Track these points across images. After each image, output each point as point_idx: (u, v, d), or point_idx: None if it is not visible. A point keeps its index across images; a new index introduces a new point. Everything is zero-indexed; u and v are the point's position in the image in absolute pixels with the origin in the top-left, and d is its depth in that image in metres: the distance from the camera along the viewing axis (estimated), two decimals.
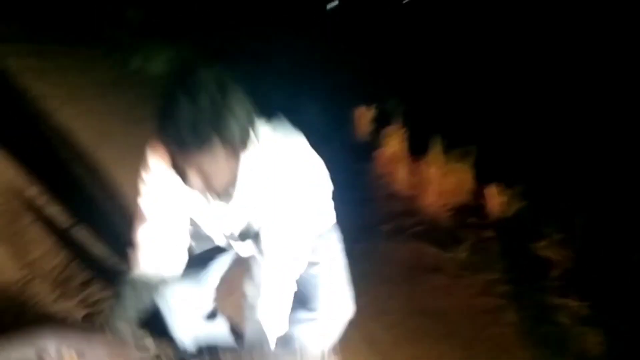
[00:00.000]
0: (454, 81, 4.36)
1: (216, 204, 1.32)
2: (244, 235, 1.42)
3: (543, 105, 4.00)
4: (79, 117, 3.34)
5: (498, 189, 3.08)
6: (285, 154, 1.28)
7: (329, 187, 1.51)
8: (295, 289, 1.40)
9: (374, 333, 2.15)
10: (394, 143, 3.46)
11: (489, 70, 4.44)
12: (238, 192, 1.28)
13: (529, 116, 3.88)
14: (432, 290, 2.49)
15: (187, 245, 1.43)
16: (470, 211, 3.06)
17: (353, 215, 2.90)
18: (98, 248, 2.32)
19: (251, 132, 1.17)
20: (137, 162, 3.04)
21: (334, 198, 1.56)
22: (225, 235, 1.45)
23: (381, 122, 3.72)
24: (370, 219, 2.91)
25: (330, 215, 1.56)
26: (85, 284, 2.11)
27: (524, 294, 2.54)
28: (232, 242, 1.47)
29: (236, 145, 1.14)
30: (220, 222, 1.40)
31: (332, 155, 3.59)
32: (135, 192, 1.37)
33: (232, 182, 1.24)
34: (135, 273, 1.37)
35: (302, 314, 1.52)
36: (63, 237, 2.33)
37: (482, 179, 3.18)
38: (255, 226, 1.37)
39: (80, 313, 1.98)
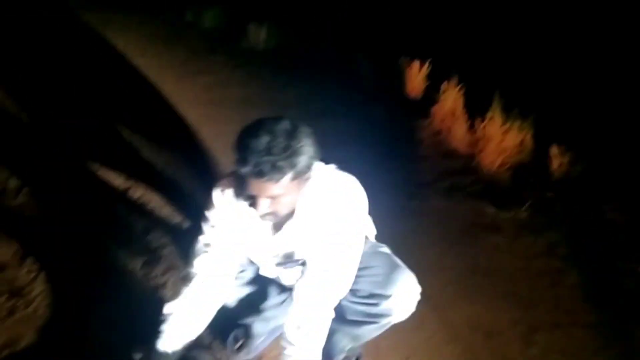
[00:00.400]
0: (514, 36, 4.14)
1: (270, 232, 1.47)
2: (287, 263, 1.53)
3: (609, 64, 3.75)
4: (138, 69, 3.38)
5: (560, 149, 2.93)
6: (338, 193, 1.40)
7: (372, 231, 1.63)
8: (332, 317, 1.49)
9: (429, 290, 2.09)
10: (451, 99, 3.34)
11: (551, 26, 4.19)
12: (291, 222, 1.41)
13: (594, 74, 3.66)
14: (490, 249, 2.42)
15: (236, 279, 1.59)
16: (531, 171, 2.94)
17: (408, 171, 2.87)
18: (154, 199, 2.36)
19: (313, 169, 1.32)
20: (189, 113, 3.07)
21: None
22: (271, 261, 1.57)
23: (437, 77, 3.58)
24: (425, 176, 2.83)
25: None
26: (145, 232, 2.16)
27: (586, 257, 2.44)
28: (276, 270, 1.59)
29: (303, 178, 1.30)
30: (269, 249, 1.52)
31: (387, 111, 3.56)
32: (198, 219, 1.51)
33: (291, 212, 1.38)
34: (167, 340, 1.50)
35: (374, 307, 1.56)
36: (122, 189, 2.39)
37: (544, 138, 3.03)
38: (298, 256, 1.49)
39: (140, 260, 2.03)
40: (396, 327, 1.94)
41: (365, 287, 1.55)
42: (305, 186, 1.35)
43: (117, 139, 2.71)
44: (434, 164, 2.94)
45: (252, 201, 1.33)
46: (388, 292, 1.53)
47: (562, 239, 2.52)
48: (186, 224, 2.26)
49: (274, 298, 1.74)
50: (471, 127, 3.14)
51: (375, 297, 1.55)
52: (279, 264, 1.57)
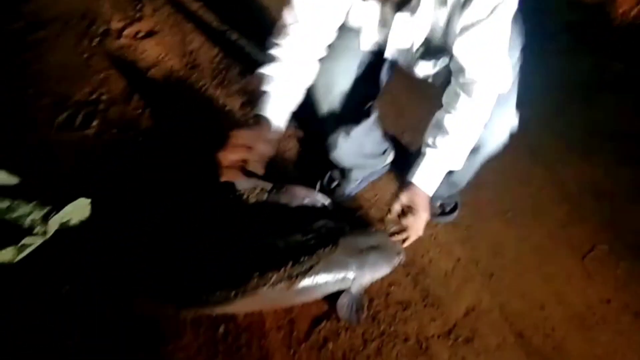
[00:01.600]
0: None
1: (394, 14, 1.25)
2: (425, 56, 1.33)
3: None
4: None
5: None
6: None
7: None
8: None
9: (539, 145, 1.97)
10: None
11: None
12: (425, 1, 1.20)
13: None
14: (611, 109, 2.17)
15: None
16: None
17: (528, 24, 2.55)
18: (251, 47, 2.29)
19: None
20: None
21: None
22: (399, 52, 1.36)
23: None
24: (546, 29, 2.50)
25: None
26: (242, 74, 2.13)
27: None
28: (405, 61, 1.39)
29: None
30: (398, 35, 1.30)
31: None
32: None
33: None
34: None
35: None
36: (218, 34, 2.33)
37: None
38: (436, 43, 1.29)
39: (239, 100, 2.03)
40: (500, 180, 1.86)
41: None
42: None
43: None
44: (555, 16, 2.58)
45: None
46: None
47: None
48: None
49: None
50: None
51: None
52: (411, 58, 1.37)
